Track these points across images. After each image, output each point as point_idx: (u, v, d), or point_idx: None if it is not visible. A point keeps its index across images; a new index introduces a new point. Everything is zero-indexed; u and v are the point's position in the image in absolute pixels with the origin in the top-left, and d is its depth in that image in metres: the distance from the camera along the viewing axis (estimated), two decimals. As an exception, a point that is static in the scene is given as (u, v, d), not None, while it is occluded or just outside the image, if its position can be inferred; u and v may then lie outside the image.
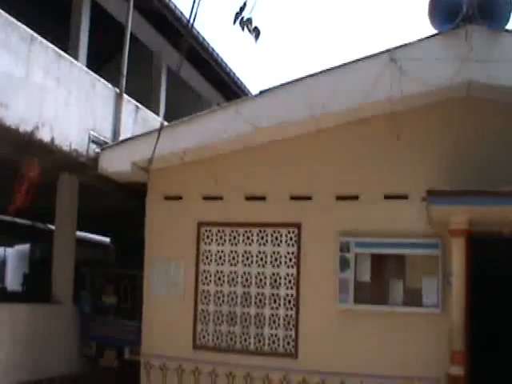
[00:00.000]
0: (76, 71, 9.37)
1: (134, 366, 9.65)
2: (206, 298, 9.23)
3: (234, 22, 4.94)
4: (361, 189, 8.69)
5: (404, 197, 8.51)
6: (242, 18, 4.92)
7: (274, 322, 8.86)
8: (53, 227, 11.07)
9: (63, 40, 9.65)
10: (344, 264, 8.50)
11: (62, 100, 8.97)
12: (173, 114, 10.04)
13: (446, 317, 7.89)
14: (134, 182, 9.81)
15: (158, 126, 9.58)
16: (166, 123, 9.65)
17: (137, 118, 10.87)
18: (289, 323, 8.80)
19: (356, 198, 8.69)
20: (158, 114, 11.75)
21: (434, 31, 8.21)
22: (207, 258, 9.30)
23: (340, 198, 8.75)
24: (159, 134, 9.03)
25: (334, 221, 8.66)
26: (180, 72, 10.72)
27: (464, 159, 8.25)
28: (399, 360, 8.27)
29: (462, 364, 7.56)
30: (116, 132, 10.25)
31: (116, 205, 11.75)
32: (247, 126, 8.78)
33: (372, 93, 8.15)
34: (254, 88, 14.74)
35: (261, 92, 8.84)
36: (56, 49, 8.85)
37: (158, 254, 9.49)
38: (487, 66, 7.89)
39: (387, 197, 8.57)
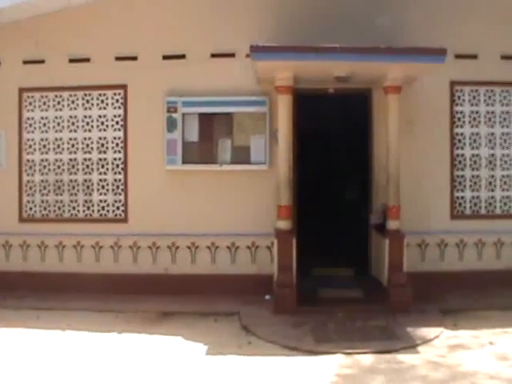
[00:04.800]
0: None
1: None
2: (30, 167, 8.77)
3: None
4: (188, 48, 8.45)
5: (231, 55, 8.39)
6: None
7: (103, 187, 8.63)
8: None
9: None
10: (171, 124, 8.33)
11: None
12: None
13: (274, 173, 8.00)
14: None
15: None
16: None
17: None
18: (118, 188, 8.60)
19: (183, 57, 8.45)
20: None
21: None
22: (31, 125, 8.77)
23: (166, 57, 8.46)
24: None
25: (160, 81, 8.40)
26: None
27: (289, 16, 8.21)
28: (230, 218, 8.41)
29: (288, 218, 7.76)
30: None
31: None
32: (68, -18, 8.18)
33: None
34: None
35: None
36: None
37: (-24, 125, 8.83)
38: None
39: (214, 55, 8.42)
